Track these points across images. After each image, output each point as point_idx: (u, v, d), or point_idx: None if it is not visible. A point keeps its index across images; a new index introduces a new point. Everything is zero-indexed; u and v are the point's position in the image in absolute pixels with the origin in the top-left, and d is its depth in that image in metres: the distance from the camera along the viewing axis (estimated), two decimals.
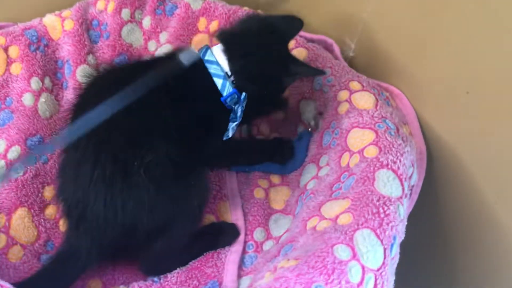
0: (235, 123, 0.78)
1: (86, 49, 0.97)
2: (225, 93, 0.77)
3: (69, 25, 0.97)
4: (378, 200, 0.69)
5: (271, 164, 0.93)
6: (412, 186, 0.82)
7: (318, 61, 0.96)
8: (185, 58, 0.78)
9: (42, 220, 0.83)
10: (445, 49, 0.82)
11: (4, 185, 0.82)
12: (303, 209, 0.79)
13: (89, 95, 0.76)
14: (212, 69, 0.77)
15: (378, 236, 0.65)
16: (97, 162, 0.66)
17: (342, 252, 0.62)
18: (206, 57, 0.78)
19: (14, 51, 0.92)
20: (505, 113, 0.74)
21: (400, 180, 0.73)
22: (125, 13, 1.01)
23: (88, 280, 0.77)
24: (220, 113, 0.79)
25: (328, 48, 1.01)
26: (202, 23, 1.02)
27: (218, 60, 0.78)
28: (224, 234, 0.82)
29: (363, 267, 0.61)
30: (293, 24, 0.85)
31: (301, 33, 1.02)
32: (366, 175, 0.73)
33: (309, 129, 0.93)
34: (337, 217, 0.70)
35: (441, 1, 0.80)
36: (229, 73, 0.78)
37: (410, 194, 0.83)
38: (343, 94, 0.88)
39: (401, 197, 0.72)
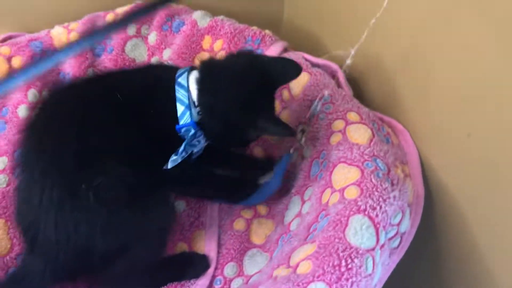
0: (176, 156, 0.72)
1: (87, 62, 0.98)
2: (181, 122, 0.72)
3: (73, 37, 0.98)
4: (343, 251, 0.63)
5: None
6: (403, 234, 0.75)
7: (319, 87, 0.90)
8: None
9: (17, 233, 0.83)
10: (447, 87, 0.75)
11: None
12: (278, 254, 0.75)
13: (47, 113, 0.73)
14: (179, 93, 0.73)
15: None
16: (45, 185, 0.65)
17: None
18: (179, 80, 0.74)
19: (17, 62, 0.94)
20: (506, 159, 0.66)
21: (376, 229, 0.67)
22: (132, 29, 1.01)
23: None
24: (173, 140, 0.74)
25: (332, 74, 0.95)
26: (206, 41, 1.00)
27: (190, 86, 0.74)
28: (192, 266, 0.78)
29: None
30: (289, 70, 0.77)
31: (307, 56, 0.98)
32: (340, 219, 0.67)
33: (291, 151, 0.88)
34: (297, 264, 0.65)
35: (444, 41, 0.74)
36: (196, 103, 0.74)
37: (400, 243, 0.76)
38: (339, 124, 0.82)
39: (372, 249, 0.65)
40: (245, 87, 0.74)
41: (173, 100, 0.73)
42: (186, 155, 0.72)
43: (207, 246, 0.82)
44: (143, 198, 0.69)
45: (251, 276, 0.77)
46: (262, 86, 0.75)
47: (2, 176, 0.86)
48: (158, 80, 0.77)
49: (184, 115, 0.72)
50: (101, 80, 0.80)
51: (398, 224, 0.73)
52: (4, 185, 0.85)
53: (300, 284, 0.59)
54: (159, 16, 1.02)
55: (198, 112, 0.74)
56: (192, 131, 0.72)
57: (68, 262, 0.68)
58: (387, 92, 0.91)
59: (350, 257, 0.62)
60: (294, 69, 0.77)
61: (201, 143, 0.75)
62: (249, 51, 0.88)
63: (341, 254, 0.62)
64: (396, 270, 0.74)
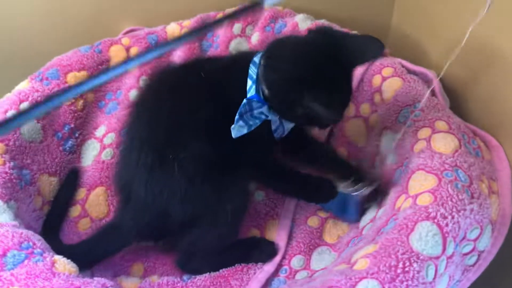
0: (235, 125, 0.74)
1: (194, 56, 1.06)
2: (248, 95, 0.74)
3: None
4: (403, 253, 0.62)
5: None
6: (481, 252, 0.72)
7: (410, 94, 0.89)
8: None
9: (115, 201, 0.93)
10: None
11: (92, 165, 0.95)
12: (344, 254, 0.75)
13: (148, 93, 0.83)
14: (251, 69, 0.76)
15: None
16: (142, 151, 0.74)
17: None
18: (255, 58, 0.77)
19: (134, 51, 1.06)
20: None
21: (444, 238, 0.64)
22: (237, 27, 1.08)
23: (132, 262, 0.84)
24: None
25: (428, 82, 0.93)
26: None
27: (260, 63, 0.76)
28: (259, 250, 0.81)
29: None
30: (369, 48, 0.75)
31: (404, 63, 0.97)
32: (406, 223, 0.66)
33: (363, 190, 0.83)
34: (356, 261, 0.65)
35: None
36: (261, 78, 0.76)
37: (477, 261, 0.72)
38: (425, 132, 0.80)
39: (436, 258, 0.63)
40: (303, 61, 0.73)
41: (244, 78, 0.76)
42: (249, 128, 0.74)
43: (278, 236, 0.85)
44: (222, 178, 0.74)
45: (317, 271, 0.78)
46: (329, 63, 0.73)
47: (109, 149, 0.97)
48: (240, 61, 0.80)
49: (251, 88, 0.75)
50: (195, 64, 0.87)
51: (475, 240, 0.70)
52: (109, 158, 0.97)
53: (353, 278, 0.60)
54: (264, 17, 1.08)
55: (264, 87, 0.75)
56: (253, 103, 0.74)
57: (152, 221, 0.76)
58: (485, 106, 0.87)
59: (409, 261, 0.61)
60: (375, 47, 0.75)
61: (269, 117, 0.76)
62: (327, 28, 0.83)
63: (400, 256, 0.61)
64: None
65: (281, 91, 0.74)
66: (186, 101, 0.76)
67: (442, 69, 0.96)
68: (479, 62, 0.88)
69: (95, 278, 0.64)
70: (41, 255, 0.65)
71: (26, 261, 0.63)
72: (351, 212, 0.84)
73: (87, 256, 0.78)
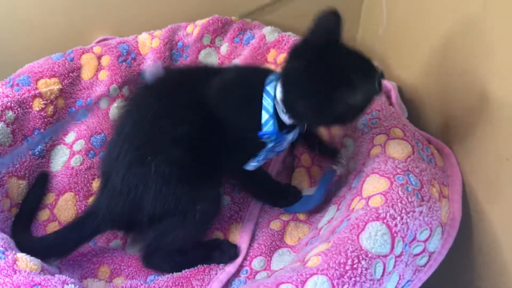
0: (255, 163, 0.81)
1: (164, 65, 1.09)
2: (264, 129, 0.78)
3: (155, 43, 1.11)
4: (353, 251, 0.65)
5: None
6: (431, 253, 0.75)
7: None
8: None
9: (83, 206, 0.96)
10: (487, 111, 0.75)
11: (61, 170, 0.97)
12: (301, 254, 0.78)
13: (143, 92, 0.88)
14: (265, 101, 0.78)
15: (333, 287, 0.62)
16: (123, 148, 0.79)
17: None
18: (267, 88, 0.79)
19: (105, 60, 1.08)
20: None
21: (392, 237, 0.68)
22: (206, 38, 1.11)
23: (99, 265, 0.86)
24: (253, 141, 0.81)
25: (386, 93, 0.98)
26: (271, 54, 1.08)
27: (276, 96, 0.78)
28: (221, 251, 0.84)
29: None
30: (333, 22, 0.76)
31: None
32: (357, 223, 0.70)
33: (334, 168, 0.90)
34: (309, 259, 0.68)
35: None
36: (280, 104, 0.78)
37: (428, 261, 0.76)
38: (380, 138, 0.85)
39: (384, 256, 0.66)
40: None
41: (258, 106, 0.79)
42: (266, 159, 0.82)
43: (240, 238, 0.88)
44: (196, 181, 0.79)
45: (276, 271, 0.80)
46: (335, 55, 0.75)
47: (78, 156, 0.99)
48: (246, 82, 0.84)
49: (268, 123, 0.78)
50: (187, 72, 0.91)
51: (425, 241, 0.74)
52: (78, 164, 0.99)
53: (303, 274, 0.63)
54: (233, 29, 1.12)
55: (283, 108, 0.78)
56: (273, 139, 0.79)
57: (124, 211, 0.80)
58: (440, 116, 0.92)
59: (358, 258, 0.64)
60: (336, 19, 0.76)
61: (284, 143, 0.82)
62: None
63: (349, 254, 0.65)
64: None
65: (313, 103, 0.75)
66: (174, 108, 0.80)
67: (403, 80, 1.02)
68: (437, 74, 0.92)
69: (56, 275, 0.66)
70: (3, 253, 0.66)
71: None
72: (316, 198, 0.89)
73: (62, 244, 0.82)
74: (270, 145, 0.80)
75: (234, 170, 0.87)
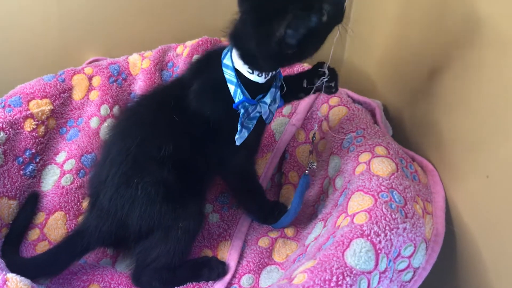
0: (238, 135, 0.81)
1: (154, 85, 1.11)
2: (236, 100, 0.79)
3: (146, 63, 1.13)
4: (338, 268, 0.67)
5: None
6: (416, 268, 0.77)
7: (354, 121, 0.96)
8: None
9: (73, 225, 0.97)
10: (466, 131, 0.78)
11: (52, 190, 0.98)
12: (288, 271, 0.80)
13: (124, 117, 0.92)
14: (226, 74, 0.80)
15: None
16: (110, 170, 0.82)
17: None
18: (224, 61, 0.80)
19: (96, 81, 1.10)
20: None
21: (376, 254, 0.70)
22: (196, 58, 1.13)
23: (89, 283, 0.87)
24: (233, 120, 0.81)
25: (371, 111, 1.00)
26: None
27: (234, 64, 0.79)
28: (209, 269, 0.86)
29: None
30: None
31: (350, 93, 1.04)
32: (342, 240, 0.71)
33: (306, 171, 0.92)
34: (295, 276, 0.69)
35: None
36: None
37: (413, 277, 0.77)
38: (365, 156, 0.87)
39: (369, 272, 0.68)
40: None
41: (223, 82, 0.80)
42: (249, 130, 0.82)
43: (229, 256, 0.89)
44: (178, 200, 0.82)
45: None
46: None
47: (68, 175, 1.01)
48: (208, 72, 0.84)
49: (236, 93, 0.79)
50: (163, 90, 0.93)
51: (410, 257, 0.75)
52: (69, 183, 1.00)
53: None
54: None
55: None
56: (247, 106, 0.80)
57: (112, 229, 0.83)
58: (423, 134, 0.95)
59: (343, 275, 0.66)
60: None
61: (265, 108, 0.83)
62: None
63: (334, 271, 0.66)
64: None
65: (257, 37, 0.74)
66: (156, 130, 0.83)
67: (388, 98, 1.05)
68: (420, 93, 0.95)
69: None
70: None
71: None
72: (296, 204, 0.91)
73: (53, 263, 0.84)
74: (242, 111, 0.79)
75: (228, 170, 0.90)
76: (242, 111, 0.80)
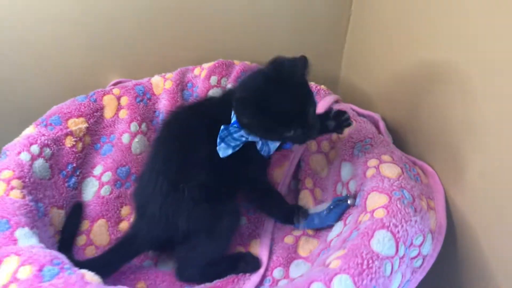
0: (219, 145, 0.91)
1: (177, 104, 1.23)
2: (232, 121, 0.92)
3: (168, 84, 1.24)
4: (367, 254, 0.79)
5: None
6: (425, 256, 0.90)
7: (361, 133, 1.09)
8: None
9: (115, 231, 1.08)
10: (462, 134, 0.93)
11: (93, 200, 1.09)
12: (319, 260, 0.92)
13: (163, 132, 1.02)
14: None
15: (354, 283, 0.75)
16: (158, 181, 0.92)
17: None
18: None
19: (124, 100, 1.20)
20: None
21: (396, 242, 0.82)
22: (213, 79, 1.26)
23: (136, 281, 0.97)
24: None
25: (375, 123, 1.14)
26: None
27: None
28: (245, 262, 0.97)
29: None
30: (300, 65, 0.89)
31: (355, 107, 1.18)
32: (367, 232, 0.83)
33: (349, 201, 1.01)
34: (330, 262, 0.81)
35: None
36: None
37: (422, 263, 0.90)
38: (373, 162, 1.00)
39: (392, 257, 0.80)
40: (248, 86, 0.93)
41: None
42: (232, 148, 0.92)
43: (260, 252, 1.01)
44: (219, 200, 0.93)
45: (295, 278, 0.94)
46: (268, 85, 0.88)
47: (107, 186, 1.11)
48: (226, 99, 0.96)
49: (233, 117, 0.93)
50: (197, 106, 1.06)
51: (420, 246, 0.88)
52: (108, 194, 1.10)
53: (329, 273, 0.76)
54: (236, 71, 1.27)
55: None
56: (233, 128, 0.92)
57: (162, 233, 0.94)
58: (421, 141, 1.09)
59: (372, 259, 0.78)
60: (302, 63, 0.89)
61: (250, 138, 0.93)
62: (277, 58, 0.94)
63: (364, 256, 0.79)
64: None
65: (239, 114, 0.91)
66: (191, 139, 0.94)
67: (384, 112, 1.19)
68: (415, 107, 1.10)
69: (119, 286, 0.77)
70: (71, 269, 0.77)
71: (60, 274, 0.74)
72: (327, 221, 1.02)
73: (108, 265, 0.93)
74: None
75: (251, 181, 1.02)
76: (225, 130, 0.91)
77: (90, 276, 0.77)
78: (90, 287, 0.73)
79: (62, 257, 0.79)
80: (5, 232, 0.81)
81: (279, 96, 0.86)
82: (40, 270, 0.74)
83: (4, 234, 0.80)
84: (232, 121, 0.92)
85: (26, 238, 0.81)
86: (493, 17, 0.82)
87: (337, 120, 1.03)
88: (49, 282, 0.73)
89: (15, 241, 0.80)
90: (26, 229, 0.83)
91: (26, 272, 0.73)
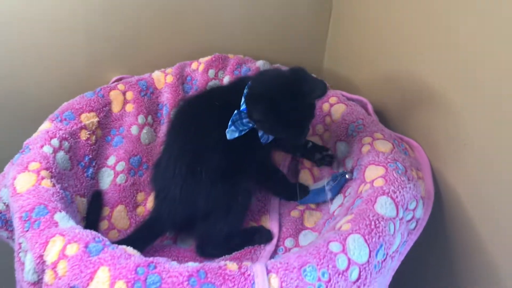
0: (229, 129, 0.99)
1: (179, 97, 1.32)
2: (241, 108, 1.00)
3: (169, 79, 1.33)
4: (373, 216, 0.90)
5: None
6: (418, 219, 1.01)
7: (353, 115, 1.21)
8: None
9: (133, 215, 1.16)
10: (441, 108, 1.05)
11: (110, 188, 1.16)
12: (327, 227, 1.03)
13: (176, 121, 1.11)
14: (245, 90, 1.01)
15: (365, 240, 0.86)
16: (176, 165, 1.01)
17: (334, 246, 0.84)
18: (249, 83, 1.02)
19: (129, 95, 1.28)
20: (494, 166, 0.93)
21: (396, 205, 0.94)
22: (211, 72, 1.35)
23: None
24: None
25: (363, 106, 1.26)
26: None
27: None
28: (260, 235, 1.07)
29: (349, 260, 0.83)
30: (318, 87, 0.96)
31: (344, 93, 1.29)
32: (370, 198, 0.95)
33: (347, 175, 1.13)
34: (341, 226, 0.92)
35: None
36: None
37: (416, 226, 1.02)
38: (367, 139, 1.12)
39: (394, 218, 0.92)
40: (264, 85, 1.01)
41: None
42: (240, 132, 1.00)
43: (271, 225, 1.11)
44: (233, 180, 1.02)
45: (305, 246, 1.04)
46: (284, 92, 0.97)
47: (122, 175, 1.19)
48: (239, 86, 1.05)
49: (243, 104, 1.00)
50: (206, 94, 1.16)
51: (414, 210, 0.99)
52: (124, 182, 1.18)
53: (343, 234, 0.87)
54: (231, 64, 1.36)
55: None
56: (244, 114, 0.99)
57: (182, 213, 1.03)
58: (406, 119, 1.21)
59: (378, 220, 0.90)
60: (321, 87, 0.96)
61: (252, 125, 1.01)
62: (300, 69, 1.04)
63: (371, 218, 0.90)
64: (412, 256, 0.99)
65: (250, 107, 0.99)
66: (203, 126, 1.03)
67: (368, 96, 1.30)
68: (394, 90, 1.22)
69: (156, 257, 0.85)
70: (112, 245, 0.85)
71: (105, 249, 0.82)
72: (326, 196, 1.13)
73: (134, 247, 0.98)
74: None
75: (255, 165, 1.09)
76: (237, 114, 0.99)
77: (131, 249, 0.85)
78: (134, 259, 0.81)
79: (101, 236, 0.87)
80: (45, 216, 0.87)
81: (291, 106, 0.96)
82: (86, 246, 0.82)
83: (45, 218, 0.87)
84: (242, 108, 1.01)
85: (65, 221, 0.88)
86: None
87: (321, 154, 1.21)
88: (97, 256, 0.80)
89: (56, 223, 0.87)
90: (63, 213, 0.90)
91: (73, 249, 0.81)
